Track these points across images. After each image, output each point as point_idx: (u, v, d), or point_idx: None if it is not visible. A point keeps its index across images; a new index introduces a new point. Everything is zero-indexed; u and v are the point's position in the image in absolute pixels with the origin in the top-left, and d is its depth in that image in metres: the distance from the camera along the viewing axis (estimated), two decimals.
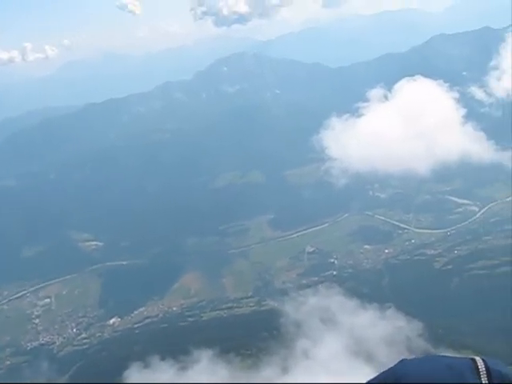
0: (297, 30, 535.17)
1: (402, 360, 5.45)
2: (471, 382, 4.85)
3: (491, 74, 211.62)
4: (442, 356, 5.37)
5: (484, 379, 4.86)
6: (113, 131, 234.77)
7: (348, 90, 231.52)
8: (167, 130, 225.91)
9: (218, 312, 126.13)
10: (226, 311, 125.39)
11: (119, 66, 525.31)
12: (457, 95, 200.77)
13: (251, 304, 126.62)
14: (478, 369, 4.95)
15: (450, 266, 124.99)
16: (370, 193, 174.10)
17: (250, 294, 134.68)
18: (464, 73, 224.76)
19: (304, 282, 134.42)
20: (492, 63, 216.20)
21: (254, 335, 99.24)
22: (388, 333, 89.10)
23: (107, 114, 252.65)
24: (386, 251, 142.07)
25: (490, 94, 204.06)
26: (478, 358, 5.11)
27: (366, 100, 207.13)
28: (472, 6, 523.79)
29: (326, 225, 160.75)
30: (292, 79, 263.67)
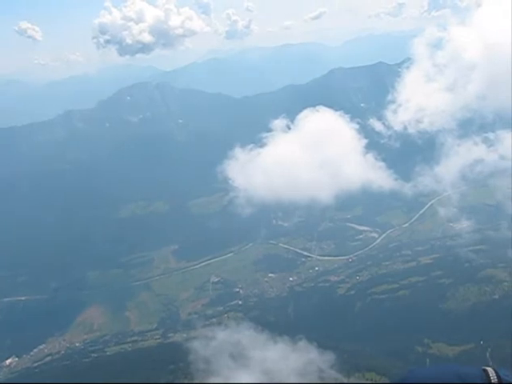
0: (200, 60, 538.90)
1: (412, 369, 5.23)
2: None
3: (388, 108, 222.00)
4: (453, 365, 5.15)
5: None
6: (12, 160, 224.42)
7: (252, 120, 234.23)
8: (69, 159, 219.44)
9: (122, 346, 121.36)
10: (130, 345, 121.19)
11: (19, 93, 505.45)
12: (357, 126, 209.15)
13: (156, 337, 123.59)
14: (490, 379, 4.90)
15: (352, 292, 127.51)
16: (274, 222, 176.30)
17: (154, 326, 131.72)
18: (362, 104, 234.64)
19: (210, 312, 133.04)
20: (388, 97, 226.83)
21: (160, 368, 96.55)
22: (299, 364, 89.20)
23: (6, 142, 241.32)
24: (291, 279, 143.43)
25: (388, 127, 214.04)
26: (489, 369, 5.06)
27: (270, 130, 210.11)
28: (368, 41, 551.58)
29: (231, 254, 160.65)
30: (196, 109, 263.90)
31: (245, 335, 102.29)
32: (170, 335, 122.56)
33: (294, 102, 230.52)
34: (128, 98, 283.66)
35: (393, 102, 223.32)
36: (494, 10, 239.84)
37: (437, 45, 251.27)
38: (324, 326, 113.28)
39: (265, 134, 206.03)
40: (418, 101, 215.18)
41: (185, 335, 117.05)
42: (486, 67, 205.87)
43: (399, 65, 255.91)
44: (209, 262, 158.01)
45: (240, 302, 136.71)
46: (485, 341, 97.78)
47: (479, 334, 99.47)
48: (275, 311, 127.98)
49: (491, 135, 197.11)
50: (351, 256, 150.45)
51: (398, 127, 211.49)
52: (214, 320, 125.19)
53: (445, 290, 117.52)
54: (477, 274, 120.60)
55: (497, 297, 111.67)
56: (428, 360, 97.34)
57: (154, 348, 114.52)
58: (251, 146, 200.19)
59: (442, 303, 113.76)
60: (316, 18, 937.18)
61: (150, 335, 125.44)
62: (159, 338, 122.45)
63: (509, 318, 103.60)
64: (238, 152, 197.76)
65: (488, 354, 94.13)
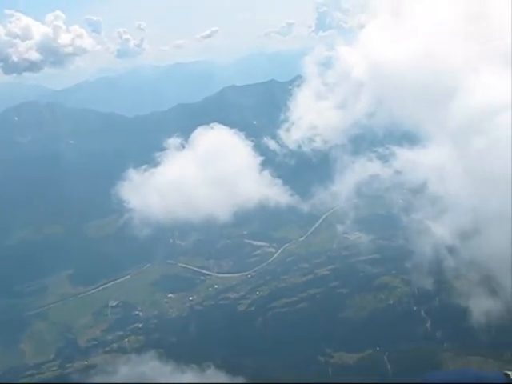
0: (91, 79, 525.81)
1: (431, 373, 5.49)
2: None
3: (282, 126, 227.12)
4: (472, 369, 5.49)
5: None
6: None
7: (145, 140, 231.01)
8: None
9: (16, 382, 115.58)
10: (26, 379, 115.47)
11: None
12: (252, 144, 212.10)
13: (54, 368, 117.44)
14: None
15: (253, 307, 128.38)
16: (171, 241, 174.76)
17: (51, 357, 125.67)
18: (254, 122, 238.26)
19: (109, 337, 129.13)
20: (281, 114, 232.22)
21: None
22: None
23: None
24: (191, 298, 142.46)
25: (282, 145, 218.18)
26: (511, 373, 5.18)
27: (164, 149, 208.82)
28: (259, 59, 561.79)
29: (129, 276, 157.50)
30: (88, 129, 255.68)
31: (148, 365, 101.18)
32: (68, 365, 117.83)
33: (188, 120, 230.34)
34: (16, 118, 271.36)
35: (286, 120, 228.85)
36: (377, 32, 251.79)
37: (326, 63, 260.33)
38: (226, 343, 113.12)
39: (159, 154, 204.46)
40: (310, 119, 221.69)
41: (86, 362, 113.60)
42: (374, 85, 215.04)
43: (290, 83, 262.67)
44: (106, 285, 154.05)
45: (140, 325, 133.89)
46: (382, 346, 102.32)
47: (377, 340, 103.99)
48: (177, 332, 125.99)
49: (384, 151, 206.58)
50: (250, 272, 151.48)
51: (292, 145, 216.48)
52: (114, 345, 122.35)
53: (342, 299, 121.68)
54: (372, 282, 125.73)
55: (391, 303, 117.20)
56: (330, 369, 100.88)
57: (52, 380, 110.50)
58: (145, 166, 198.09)
59: (340, 313, 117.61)
60: (208, 36, 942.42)
61: (47, 367, 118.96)
62: (57, 369, 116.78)
63: (403, 322, 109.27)
64: (132, 172, 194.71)
65: (386, 358, 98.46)
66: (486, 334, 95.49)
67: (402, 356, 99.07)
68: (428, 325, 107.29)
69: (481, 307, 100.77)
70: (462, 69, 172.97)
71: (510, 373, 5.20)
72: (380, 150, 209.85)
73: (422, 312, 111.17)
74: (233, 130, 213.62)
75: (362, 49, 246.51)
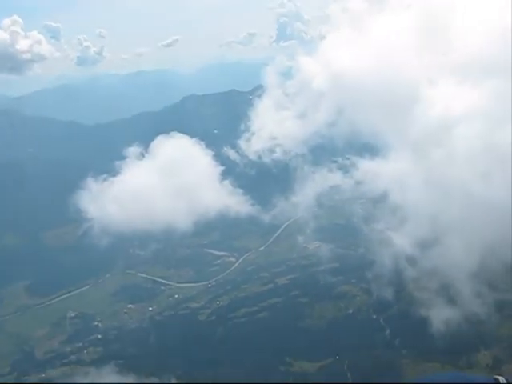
0: (50, 86, 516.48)
1: (422, 377, 5.71)
2: None
3: (242, 136, 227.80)
4: (463, 373, 5.74)
5: None
6: None
7: (105, 149, 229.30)
8: None
9: None
10: None
11: None
12: (213, 153, 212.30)
13: (9, 382, 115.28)
14: None
15: (213, 317, 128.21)
16: (131, 251, 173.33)
17: (7, 370, 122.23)
18: (215, 131, 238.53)
19: (68, 349, 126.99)
20: (242, 124, 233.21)
21: None
22: None
23: None
24: (151, 308, 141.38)
25: (242, 155, 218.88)
26: (501, 378, 5.29)
27: (124, 158, 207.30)
28: (220, 69, 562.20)
29: (88, 287, 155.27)
30: (47, 137, 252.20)
31: (107, 378, 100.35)
32: (24, 378, 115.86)
33: (148, 129, 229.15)
34: None
35: (246, 130, 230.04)
36: (337, 43, 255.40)
37: (286, 73, 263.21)
38: (187, 353, 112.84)
39: (118, 163, 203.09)
40: (271, 129, 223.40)
41: (43, 375, 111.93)
42: (334, 95, 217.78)
43: (251, 92, 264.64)
44: (65, 296, 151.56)
45: (99, 336, 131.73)
46: (342, 354, 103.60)
47: (337, 349, 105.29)
48: (136, 343, 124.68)
49: (345, 161, 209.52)
50: (210, 281, 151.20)
51: (252, 155, 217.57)
52: (73, 357, 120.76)
53: (302, 308, 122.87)
54: (331, 291, 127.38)
55: (351, 311, 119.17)
56: (291, 378, 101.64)
57: None
58: (105, 175, 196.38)
59: (300, 322, 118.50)
60: (169, 45, 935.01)
61: (3, 381, 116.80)
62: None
63: (363, 330, 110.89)
64: (91, 182, 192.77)
65: (346, 367, 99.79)
66: (443, 342, 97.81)
67: (361, 364, 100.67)
68: (387, 333, 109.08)
69: (439, 315, 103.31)
70: (420, 80, 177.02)
71: (499, 377, 5.35)
72: (341, 160, 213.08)
73: (382, 320, 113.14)
74: (193, 140, 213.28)
75: (322, 59, 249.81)
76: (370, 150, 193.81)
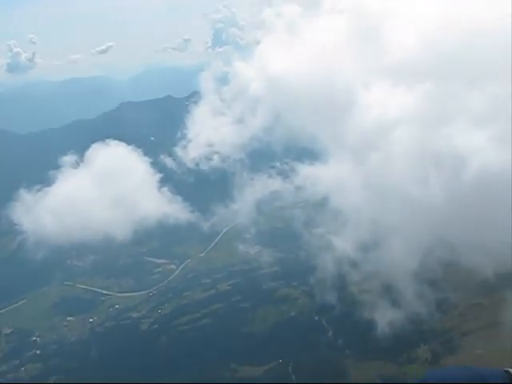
0: None
1: (431, 370, 5.37)
2: None
3: (180, 142, 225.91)
4: (473, 367, 5.43)
5: None
6: None
7: (39, 158, 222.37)
8: None
9: None
10: None
11: None
12: (151, 161, 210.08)
13: None
14: None
15: (156, 326, 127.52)
16: (69, 262, 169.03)
17: None
18: (152, 138, 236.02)
19: (4, 368, 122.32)
20: (179, 130, 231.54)
21: None
22: None
23: None
24: (91, 320, 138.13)
25: (180, 163, 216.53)
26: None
27: (58, 167, 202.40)
28: (156, 75, 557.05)
29: (24, 301, 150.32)
30: None
31: None
32: None
33: (83, 136, 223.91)
34: None
35: (183, 137, 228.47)
36: (272, 47, 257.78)
37: (222, 79, 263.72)
38: (130, 364, 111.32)
39: (53, 172, 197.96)
40: (208, 135, 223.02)
41: None
42: (271, 100, 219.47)
43: (187, 98, 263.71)
44: None
45: (38, 352, 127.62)
46: (287, 356, 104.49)
47: (281, 352, 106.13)
48: (77, 356, 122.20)
49: (284, 166, 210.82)
50: (151, 290, 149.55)
51: (190, 162, 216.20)
52: (9, 376, 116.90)
53: (245, 313, 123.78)
54: (273, 294, 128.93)
55: (293, 314, 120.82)
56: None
57: None
58: (38, 185, 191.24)
59: (243, 327, 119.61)
60: (103, 52, 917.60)
61: None
62: None
63: (306, 332, 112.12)
64: (24, 192, 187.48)
65: (290, 369, 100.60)
66: (385, 340, 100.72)
67: (305, 365, 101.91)
68: (330, 334, 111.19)
69: (381, 315, 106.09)
70: (355, 84, 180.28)
71: (510, 370, 5.31)
72: (279, 165, 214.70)
73: (324, 322, 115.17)
74: (130, 147, 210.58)
75: (257, 64, 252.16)
76: (309, 154, 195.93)
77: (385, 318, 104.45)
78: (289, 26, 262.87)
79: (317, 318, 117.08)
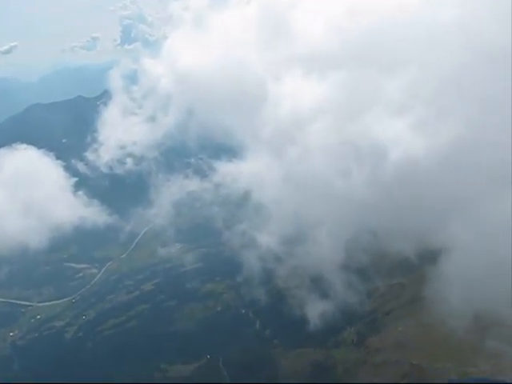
0: None
1: (452, 378, 5.25)
2: None
3: (93, 145, 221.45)
4: (489, 378, 5.38)
5: None
6: None
7: None
8: None
9: None
10: None
11: None
12: (64, 164, 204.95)
13: None
14: None
15: (81, 333, 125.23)
16: None
17: None
18: (64, 141, 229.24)
19: None
20: (92, 132, 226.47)
21: None
22: None
23: None
24: (12, 334, 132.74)
25: (95, 163, 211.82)
26: None
27: None
28: (65, 75, 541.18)
29: None
30: None
31: None
32: None
33: None
34: None
35: (95, 138, 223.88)
36: (180, 42, 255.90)
37: (132, 77, 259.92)
38: (56, 375, 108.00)
39: None
40: (121, 136, 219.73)
41: None
42: (182, 96, 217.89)
43: (98, 98, 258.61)
44: None
45: None
46: (216, 351, 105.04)
47: (210, 347, 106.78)
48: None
49: (202, 165, 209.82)
50: (74, 296, 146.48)
51: (104, 165, 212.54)
52: None
53: (171, 312, 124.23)
54: (198, 291, 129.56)
55: (219, 309, 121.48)
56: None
57: None
58: None
59: (171, 326, 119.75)
60: (7, 52, 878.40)
61: None
62: None
63: (233, 326, 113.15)
64: None
65: (221, 364, 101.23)
66: (311, 327, 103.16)
67: (235, 358, 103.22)
68: (257, 325, 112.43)
69: (305, 302, 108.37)
70: (267, 76, 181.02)
71: None
72: (195, 162, 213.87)
73: (251, 314, 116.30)
74: (41, 151, 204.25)
75: (166, 60, 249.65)
76: (226, 151, 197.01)
77: (311, 306, 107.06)
78: (197, 19, 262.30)
79: (243, 311, 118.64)
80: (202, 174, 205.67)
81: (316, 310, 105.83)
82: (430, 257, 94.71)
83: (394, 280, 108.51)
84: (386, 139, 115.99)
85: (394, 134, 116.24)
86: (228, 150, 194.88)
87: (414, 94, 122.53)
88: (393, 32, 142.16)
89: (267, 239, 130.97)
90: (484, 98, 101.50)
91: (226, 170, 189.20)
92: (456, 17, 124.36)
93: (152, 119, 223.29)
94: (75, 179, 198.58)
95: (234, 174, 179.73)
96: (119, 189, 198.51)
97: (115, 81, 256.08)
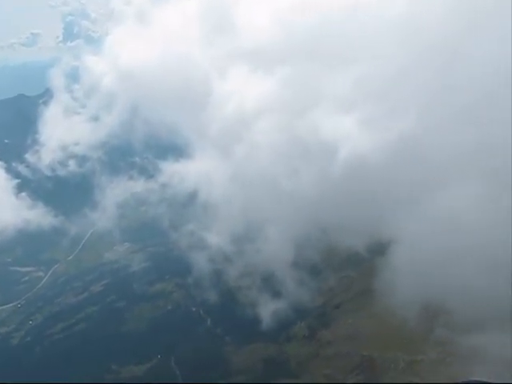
0: None
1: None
2: None
3: (36, 144, 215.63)
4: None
5: None
6: None
7: None
8: None
9: None
10: None
11: None
12: (6, 166, 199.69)
13: None
14: None
15: (28, 338, 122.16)
16: None
17: None
18: (6, 141, 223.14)
19: None
20: (35, 131, 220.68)
21: None
22: None
23: None
24: None
25: (35, 170, 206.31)
26: None
27: None
28: (4, 73, 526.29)
29: None
30: None
31: None
32: None
33: None
34: None
35: (36, 140, 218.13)
36: (123, 39, 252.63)
37: (74, 75, 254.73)
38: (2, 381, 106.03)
39: None
40: (63, 137, 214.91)
41: None
42: (125, 94, 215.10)
43: (40, 97, 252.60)
44: None
45: None
46: (168, 351, 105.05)
47: (162, 347, 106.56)
48: None
49: (147, 165, 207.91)
50: (20, 301, 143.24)
51: (46, 168, 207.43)
52: None
53: (121, 313, 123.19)
54: (147, 291, 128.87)
55: (170, 308, 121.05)
56: None
57: None
58: None
59: (121, 327, 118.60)
60: None
61: None
62: None
63: (184, 324, 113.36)
64: None
65: (173, 363, 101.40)
66: (263, 323, 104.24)
67: (187, 356, 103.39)
68: (208, 323, 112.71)
69: (257, 298, 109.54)
70: (211, 73, 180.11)
71: None
72: (143, 164, 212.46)
73: (201, 312, 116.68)
74: None
75: (108, 57, 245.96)
76: (172, 150, 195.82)
77: (262, 303, 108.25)
78: (139, 14, 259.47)
79: (194, 310, 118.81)
80: (147, 173, 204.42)
81: (267, 307, 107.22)
82: (378, 250, 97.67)
83: (340, 272, 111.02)
84: (334, 135, 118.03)
85: (342, 130, 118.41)
86: (174, 149, 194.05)
87: (362, 90, 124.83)
88: (341, 26, 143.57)
89: (216, 238, 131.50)
90: (432, 93, 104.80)
91: (172, 169, 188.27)
92: (404, 12, 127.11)
93: (95, 118, 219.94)
94: (18, 180, 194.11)
95: (181, 173, 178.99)
96: (63, 190, 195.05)
97: (57, 79, 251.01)
